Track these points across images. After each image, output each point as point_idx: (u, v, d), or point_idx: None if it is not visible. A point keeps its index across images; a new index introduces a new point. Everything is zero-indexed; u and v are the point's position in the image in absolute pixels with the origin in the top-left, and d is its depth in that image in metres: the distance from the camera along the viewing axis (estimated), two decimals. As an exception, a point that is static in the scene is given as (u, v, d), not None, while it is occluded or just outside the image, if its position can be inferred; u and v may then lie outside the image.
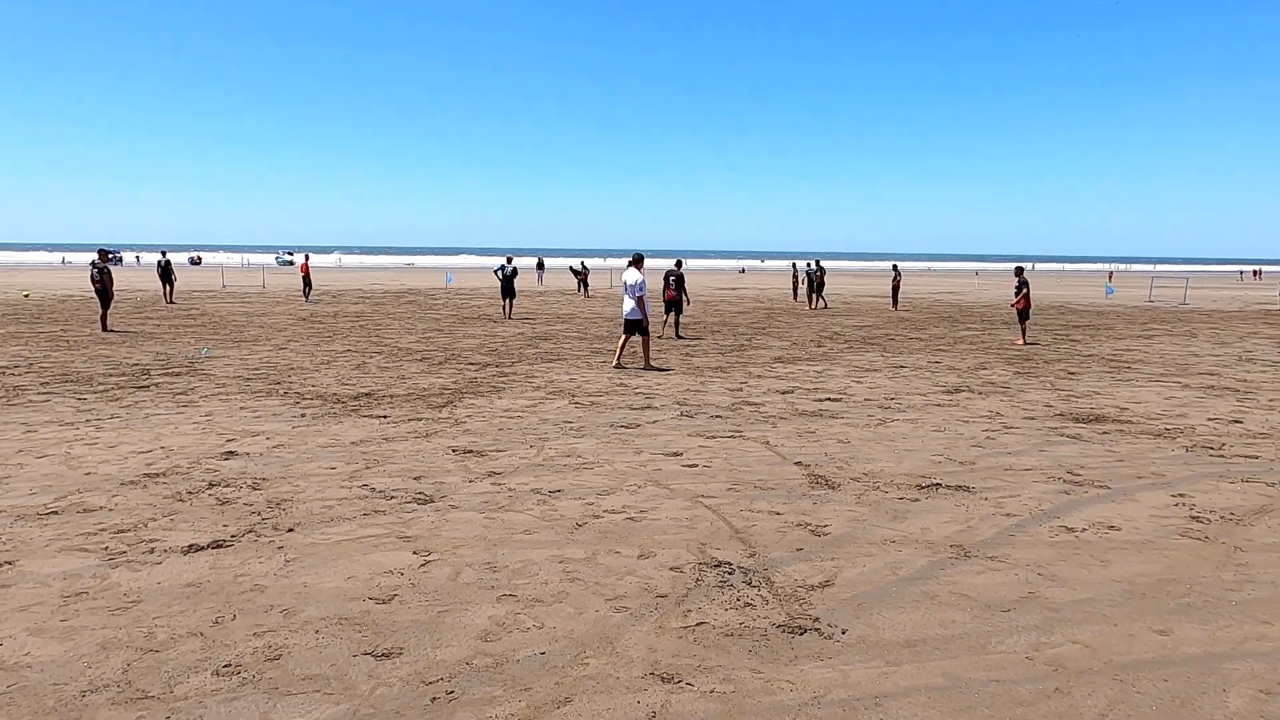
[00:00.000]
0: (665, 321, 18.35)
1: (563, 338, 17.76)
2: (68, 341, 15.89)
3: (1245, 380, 12.39)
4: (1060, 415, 9.42)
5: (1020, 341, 17.45)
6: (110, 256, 19.39)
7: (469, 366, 13.03)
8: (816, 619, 4.08)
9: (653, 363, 13.22)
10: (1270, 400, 10.61)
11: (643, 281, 12.76)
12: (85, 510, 5.64)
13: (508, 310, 23.17)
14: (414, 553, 4.92)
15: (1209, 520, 5.66)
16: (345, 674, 3.51)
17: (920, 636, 3.91)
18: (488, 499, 6.02)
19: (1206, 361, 14.71)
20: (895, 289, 28.99)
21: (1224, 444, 8.03)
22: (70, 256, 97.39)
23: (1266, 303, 34.98)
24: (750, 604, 4.24)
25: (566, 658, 3.67)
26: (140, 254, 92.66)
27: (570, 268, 42.04)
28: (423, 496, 6.06)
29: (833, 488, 6.40)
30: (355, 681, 3.45)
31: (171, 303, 27.08)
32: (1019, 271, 17.72)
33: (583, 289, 36.49)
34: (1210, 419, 9.30)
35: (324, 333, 18.29)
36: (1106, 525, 5.53)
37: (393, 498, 6.02)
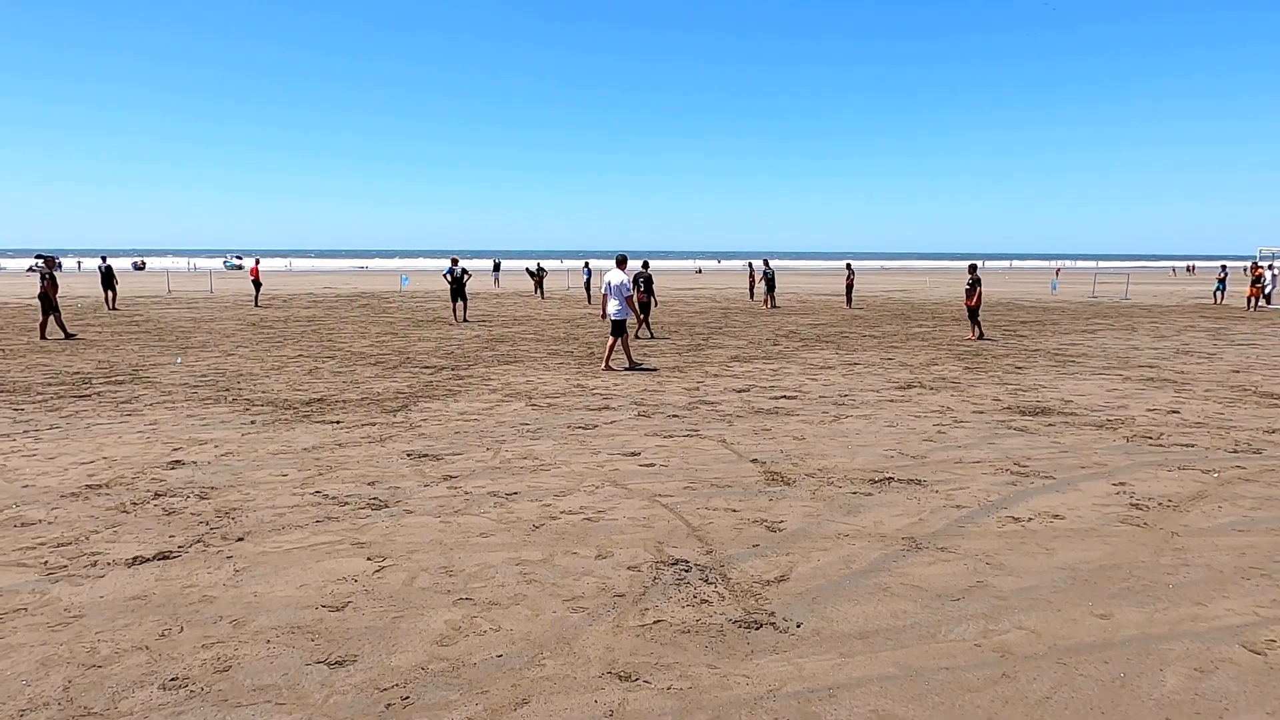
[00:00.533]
0: (640, 323, 18.37)
1: (520, 340, 17.66)
2: (2, 350, 15.32)
3: (1182, 372, 12.84)
4: (1008, 409, 9.66)
5: (971, 336, 17.93)
6: (54, 262, 18.66)
7: (424, 370, 12.89)
8: (772, 613, 4.13)
9: (636, 362, 13.32)
10: (1205, 390, 11.02)
11: (627, 283, 12.84)
12: (22, 524, 5.46)
13: (459, 314, 22.70)
14: (368, 559, 4.86)
15: (1148, 508, 5.86)
16: (298, 683, 3.46)
17: (873, 628, 3.98)
18: (444, 503, 5.97)
19: (1146, 354, 15.21)
20: (849, 287, 29.46)
21: (1162, 433, 8.32)
22: (2, 262, 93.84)
23: (1201, 297, 36.28)
24: (707, 601, 4.28)
25: (523, 659, 3.67)
26: (81, 259, 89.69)
27: (527, 269, 41.81)
28: (377, 502, 5.98)
29: (788, 484, 6.47)
30: (308, 691, 3.40)
31: (114, 309, 26.28)
32: (972, 269, 18.13)
33: (539, 291, 36.39)
34: (1149, 409, 9.62)
35: (274, 338, 17.93)
36: (1051, 514, 5.69)
37: (346, 504, 5.93)
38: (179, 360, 13.87)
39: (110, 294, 27.06)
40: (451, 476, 6.68)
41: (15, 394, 10.51)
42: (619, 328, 12.91)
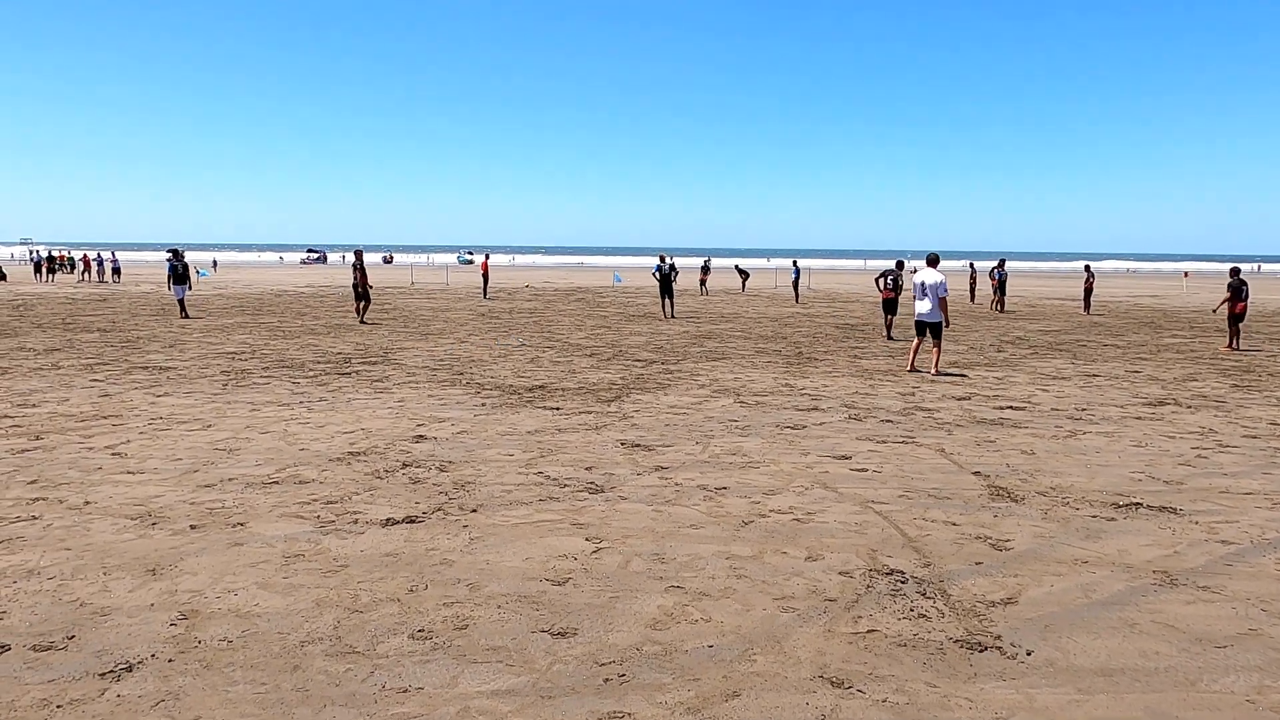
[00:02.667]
0: (886, 322, 17.92)
1: (727, 337, 17.77)
2: (283, 332, 17.75)
3: None
4: (1290, 435, 8.34)
5: (1226, 348, 15.91)
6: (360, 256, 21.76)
7: (636, 363, 13.34)
8: (998, 637, 3.87)
9: (942, 369, 12.51)
10: None
11: (943, 282, 12.13)
12: (301, 482, 6.30)
13: (668, 310, 23.12)
14: (586, 539, 5.13)
15: None
16: (525, 648, 3.72)
17: (1117, 665, 3.61)
18: (655, 492, 6.15)
19: None
20: (1088, 291, 26.72)
21: None
22: (286, 256, 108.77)
23: None
24: (925, 616, 4.09)
25: (734, 652, 3.70)
26: (344, 254, 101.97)
27: (735, 266, 41.90)
28: (594, 486, 6.29)
29: (1015, 501, 6.02)
30: (534, 656, 3.65)
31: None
32: (1234, 273, 16.25)
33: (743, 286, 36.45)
34: None
35: (500, 328, 19.33)
36: (1349, 561, 4.86)
37: (566, 486, 6.29)
38: (519, 342, 15.61)
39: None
40: (662, 467, 6.87)
41: (293, 370, 12.15)
42: (924, 328, 12.25)
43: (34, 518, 5.39)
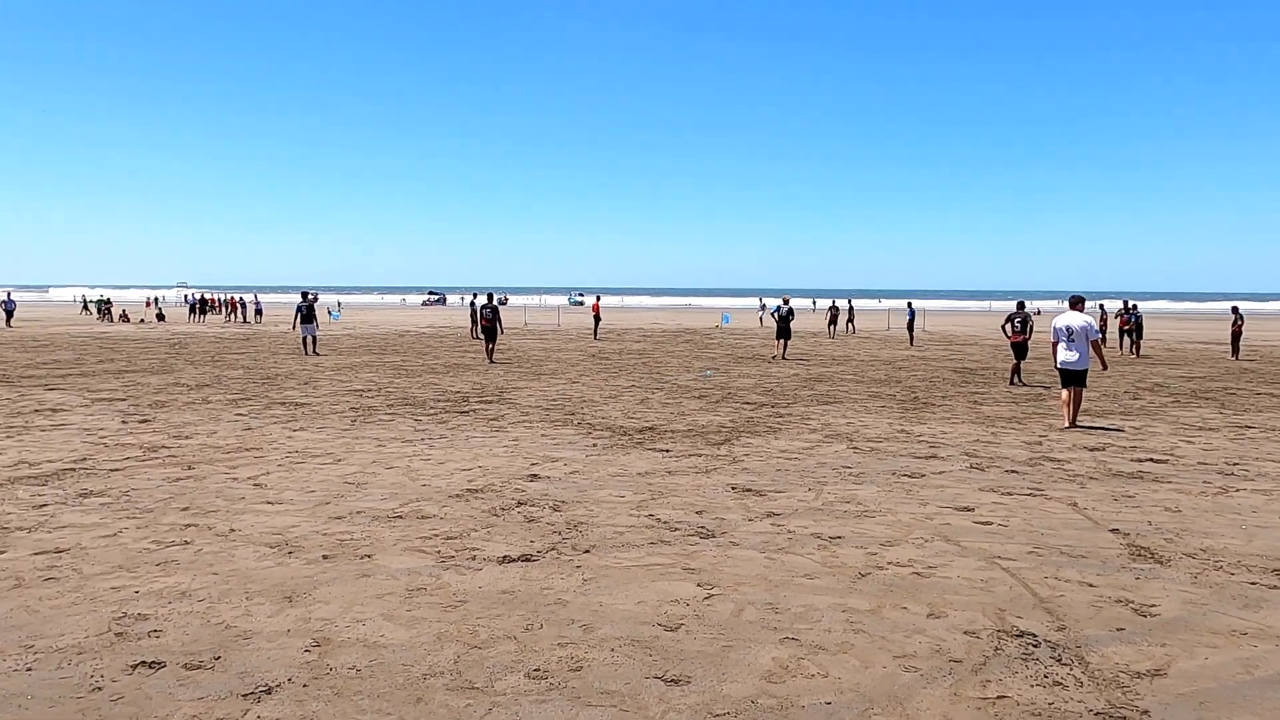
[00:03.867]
0: (1014, 366, 16.97)
1: (838, 380, 17.42)
2: (406, 370, 18.64)
3: None
4: None
5: None
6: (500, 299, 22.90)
7: (745, 405, 13.25)
8: (1146, 711, 3.58)
9: (1078, 420, 11.46)
10: None
11: (1092, 325, 11.29)
12: (423, 517, 6.56)
13: (782, 350, 23.14)
14: (698, 585, 5.09)
15: None
16: (638, 694, 3.72)
17: (1287, 753, 3.27)
18: (767, 539, 6.06)
19: None
20: (1235, 335, 24.74)
21: None
22: (408, 298, 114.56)
23: None
24: (1061, 684, 3.83)
25: (854, 712, 3.58)
26: (463, 296, 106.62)
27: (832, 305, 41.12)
28: (705, 531, 6.25)
29: (1160, 562, 5.59)
30: (648, 703, 3.64)
31: (476, 339, 30.71)
32: None
33: (831, 328, 35.53)
34: None
35: (610, 368, 19.64)
36: None
37: (677, 529, 6.28)
38: (709, 373, 16.27)
39: (476, 326, 31.62)
40: (774, 514, 6.76)
41: (415, 407, 12.71)
42: (1072, 378, 11.15)
43: (186, 543, 5.83)
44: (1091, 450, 9.65)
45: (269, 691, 3.70)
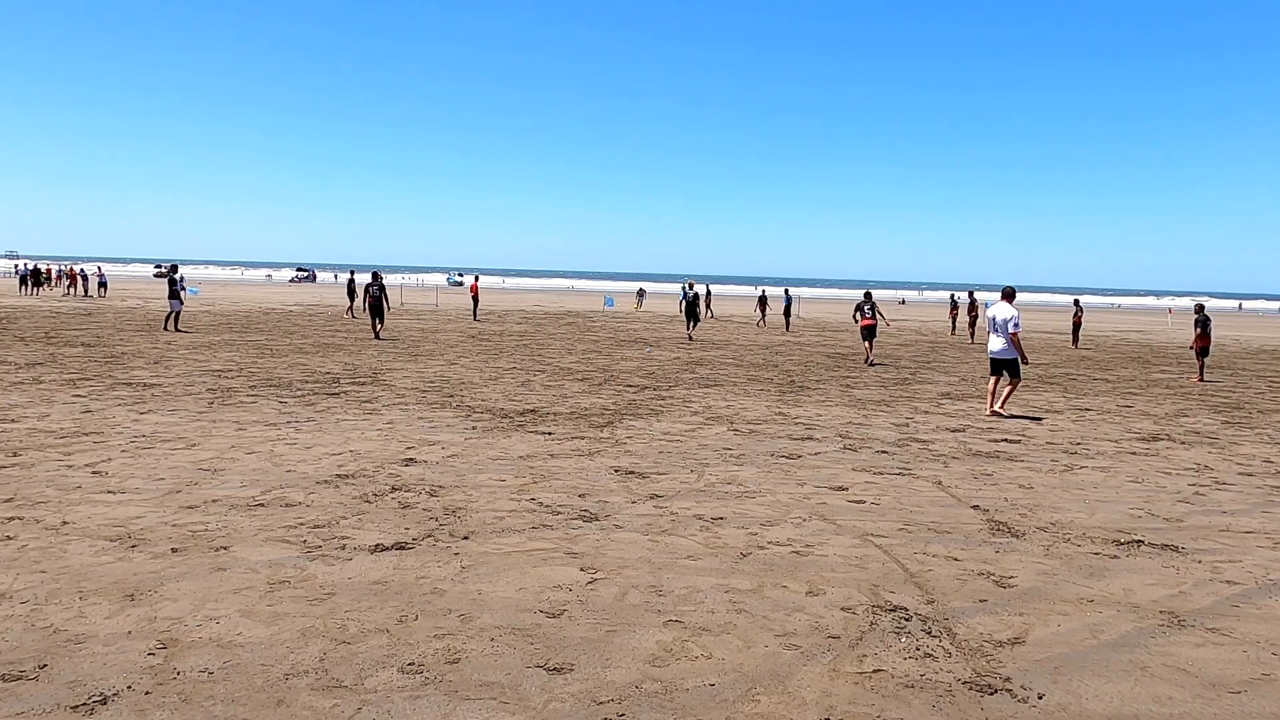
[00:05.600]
0: (866, 348, 18.89)
1: (719, 364, 17.71)
2: (271, 350, 17.55)
3: None
4: (1285, 473, 8.31)
5: (1197, 379, 16.86)
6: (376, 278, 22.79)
7: (627, 389, 13.23)
8: (1008, 679, 3.75)
9: (1004, 410, 11.61)
10: None
11: (1015, 318, 11.50)
12: (287, 505, 6.14)
13: (691, 331, 25.30)
14: (581, 569, 4.99)
15: None
16: (519, 684, 3.58)
17: (1131, 711, 3.51)
18: (650, 521, 6.03)
19: None
20: (1076, 325, 26.96)
21: None
22: (274, 273, 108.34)
23: None
24: (931, 655, 3.97)
25: (737, 692, 3.57)
26: (336, 274, 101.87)
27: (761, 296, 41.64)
28: (587, 514, 6.15)
29: (1016, 536, 5.93)
30: (529, 694, 3.51)
31: (354, 317, 29.41)
32: (1199, 309, 17.51)
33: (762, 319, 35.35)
34: None
35: (491, 350, 19.20)
36: (1356, 604, 4.78)
37: (559, 513, 6.15)
38: (649, 350, 15.92)
39: (354, 303, 30.30)
40: (657, 495, 6.74)
41: (280, 389, 11.96)
42: (1000, 366, 11.56)
43: (8, 538, 5.21)
44: (953, 431, 10.20)
45: (104, 701, 3.32)
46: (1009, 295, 11.90)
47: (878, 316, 18.77)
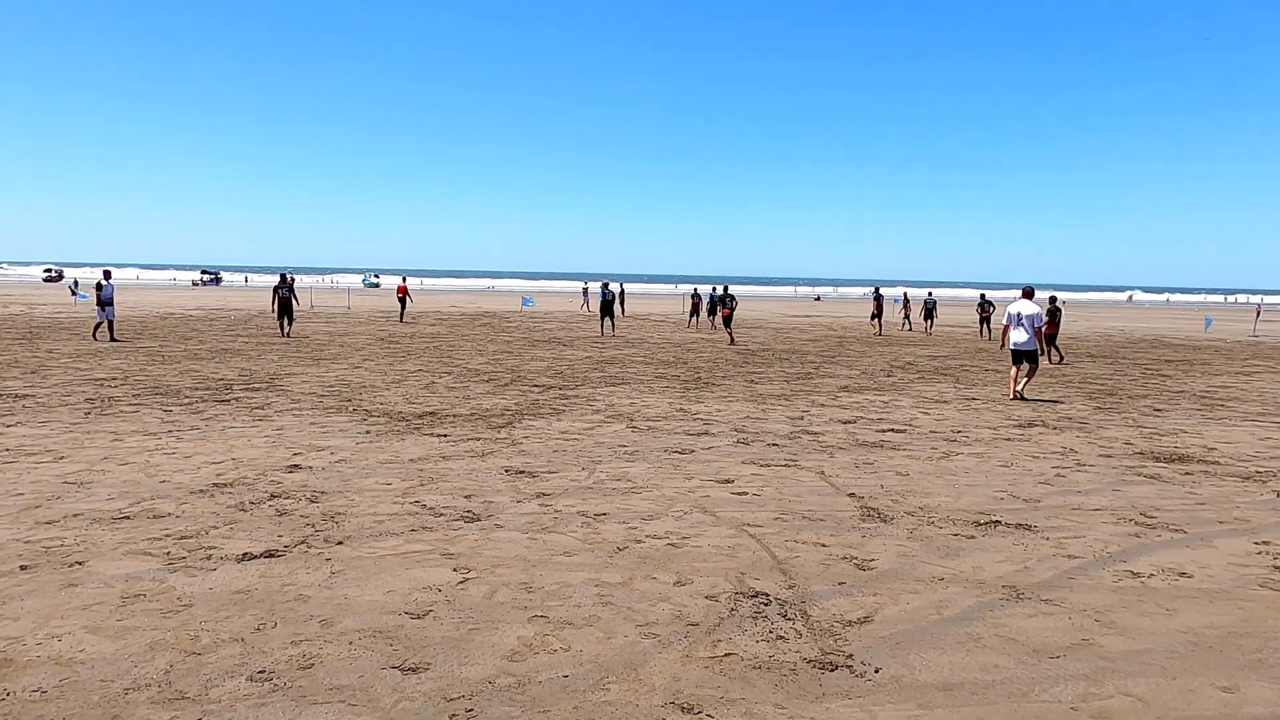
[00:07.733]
0: (728, 332, 24.08)
1: (629, 362, 17.85)
2: (162, 356, 16.84)
3: (1354, 422, 11.50)
4: (1140, 454, 8.93)
5: (1053, 363, 19.13)
6: (288, 280, 22.69)
7: (533, 389, 13.22)
8: (850, 656, 3.95)
9: (1025, 394, 13.23)
10: (1381, 444, 9.81)
11: (1039, 314, 12.85)
12: (155, 516, 5.94)
13: (608, 329, 26.24)
14: (454, 570, 5.00)
15: (1295, 571, 5.26)
16: (371, 686, 3.58)
17: (958, 680, 3.74)
18: (533, 519, 6.07)
19: (1312, 401, 13.72)
20: (984, 320, 28.29)
21: (1322, 490, 7.46)
22: (178, 276, 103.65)
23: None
24: (783, 637, 4.14)
25: (589, 682, 3.66)
26: (248, 275, 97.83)
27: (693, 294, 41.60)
28: (470, 515, 6.15)
29: (885, 521, 6.21)
30: (380, 694, 3.51)
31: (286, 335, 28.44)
32: (1052, 300, 19.98)
33: (694, 319, 34.57)
34: (1309, 462, 8.66)
35: (399, 353, 18.87)
36: (1177, 572, 5.20)
37: (441, 515, 6.13)
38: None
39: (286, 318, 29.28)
40: (544, 494, 6.79)
41: (167, 396, 11.51)
42: (1021, 356, 12.85)
43: None
44: (845, 423, 10.56)
45: (-79, 727, 3.18)
46: (1029, 293, 13.22)
47: (732, 306, 24.05)
